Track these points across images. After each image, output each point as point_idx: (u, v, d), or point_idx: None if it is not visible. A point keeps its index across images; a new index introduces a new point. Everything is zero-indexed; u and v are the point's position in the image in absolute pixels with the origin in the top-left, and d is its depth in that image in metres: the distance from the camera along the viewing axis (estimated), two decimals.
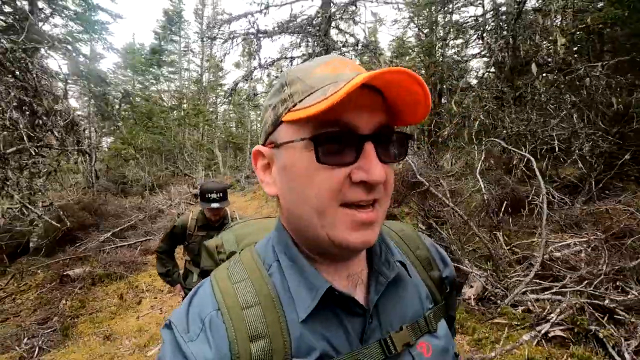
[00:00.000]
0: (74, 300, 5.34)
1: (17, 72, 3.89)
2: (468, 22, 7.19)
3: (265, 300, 0.48)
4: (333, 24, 6.56)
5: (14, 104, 3.53)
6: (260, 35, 6.50)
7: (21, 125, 3.55)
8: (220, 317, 0.47)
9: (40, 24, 8.98)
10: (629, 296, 3.09)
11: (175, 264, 2.82)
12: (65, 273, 6.25)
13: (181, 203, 11.83)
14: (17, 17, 8.28)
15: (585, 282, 3.22)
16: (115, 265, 6.44)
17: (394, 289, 0.54)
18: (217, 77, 16.34)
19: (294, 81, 0.46)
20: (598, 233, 4.33)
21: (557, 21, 6.15)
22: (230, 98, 7.23)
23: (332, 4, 6.22)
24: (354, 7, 5.76)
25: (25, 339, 4.26)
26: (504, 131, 5.76)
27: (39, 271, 6.83)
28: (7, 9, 8.36)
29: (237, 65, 22.59)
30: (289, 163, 0.46)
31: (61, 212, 5.72)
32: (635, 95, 6.04)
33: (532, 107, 6.09)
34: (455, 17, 12.09)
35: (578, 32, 6.95)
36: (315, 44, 5.83)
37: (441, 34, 10.88)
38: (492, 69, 7.44)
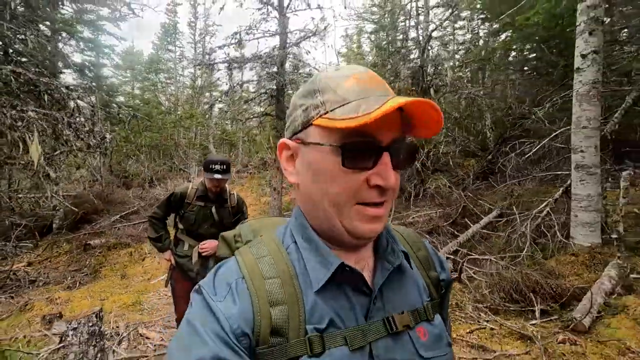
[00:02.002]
0: (96, 258, 7.50)
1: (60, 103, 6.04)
2: (393, 49, 9.33)
3: (284, 274, 0.54)
4: (291, 56, 8.71)
5: (67, 125, 5.67)
6: (235, 64, 8.67)
7: (72, 139, 5.68)
8: (244, 284, 0.53)
9: (60, 45, 11.03)
10: (434, 239, 5.31)
11: (167, 230, 2.85)
12: (87, 243, 8.39)
13: None
14: (39, 41, 10.20)
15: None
16: (124, 237, 8.59)
17: (397, 276, 0.60)
18: (208, 82, 18.42)
19: (326, 90, 0.52)
20: (448, 208, 6.54)
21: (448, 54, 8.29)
22: (209, 114, 9.33)
23: (287, 44, 8.38)
24: (297, 47, 7.91)
25: (69, 277, 6.42)
26: None
27: (64, 244, 8.94)
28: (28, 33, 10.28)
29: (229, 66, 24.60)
30: (314, 161, 0.53)
31: (91, 195, 7.79)
32: (520, 109, 8.22)
33: None
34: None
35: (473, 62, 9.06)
36: (272, 76, 8.00)
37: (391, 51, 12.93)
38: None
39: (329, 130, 0.51)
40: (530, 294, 3.50)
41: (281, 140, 0.58)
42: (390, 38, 12.79)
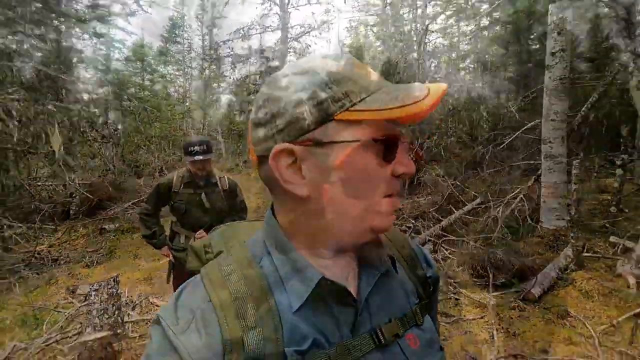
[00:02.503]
0: (111, 241, 8.14)
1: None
2: (392, 42, 9.65)
3: (257, 291, 0.47)
4: (291, 50, 9.10)
5: (82, 117, 6.21)
6: (241, 58, 9.11)
7: (87, 130, 6.23)
8: (211, 308, 0.46)
9: (74, 40, 11.57)
10: (419, 224, 5.73)
11: (161, 226, 2.71)
12: (102, 227, 9.04)
13: None
14: (56, 39, 10.71)
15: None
16: (136, 222, 9.18)
17: (383, 282, 0.55)
18: (216, 74, 18.86)
19: (343, 80, 0.46)
20: (436, 196, 6.91)
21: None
22: (216, 105, 9.81)
23: (287, 38, 8.77)
24: (297, 42, 8.31)
25: (87, 257, 7.05)
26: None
27: (81, 228, 9.61)
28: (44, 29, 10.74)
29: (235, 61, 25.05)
30: (343, 162, 0.45)
31: (105, 183, 8.39)
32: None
33: None
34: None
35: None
36: (273, 70, 8.42)
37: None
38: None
39: (359, 123, 0.45)
40: (493, 269, 3.92)
41: (277, 146, 0.47)
42: (392, 29, 13.02)
